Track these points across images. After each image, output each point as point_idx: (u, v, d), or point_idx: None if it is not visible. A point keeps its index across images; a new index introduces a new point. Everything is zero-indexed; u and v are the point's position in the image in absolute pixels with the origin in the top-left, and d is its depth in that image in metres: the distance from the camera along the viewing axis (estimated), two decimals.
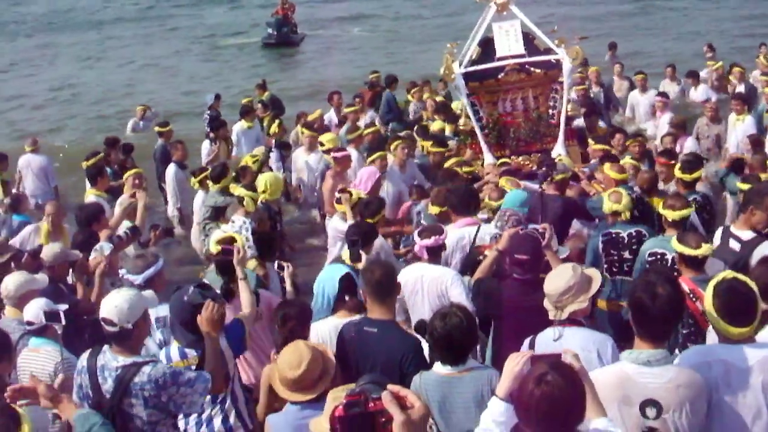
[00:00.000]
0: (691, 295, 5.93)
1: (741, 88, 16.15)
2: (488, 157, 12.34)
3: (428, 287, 7.00)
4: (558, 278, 5.17)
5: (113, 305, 4.83)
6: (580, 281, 5.15)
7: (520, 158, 12.41)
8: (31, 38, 39.64)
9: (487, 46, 12.89)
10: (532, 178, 10.24)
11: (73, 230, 9.66)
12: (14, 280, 6.93)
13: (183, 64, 32.49)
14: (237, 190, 9.88)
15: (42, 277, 7.23)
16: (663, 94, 15.84)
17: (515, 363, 3.74)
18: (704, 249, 6.17)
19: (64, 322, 5.93)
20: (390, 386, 2.84)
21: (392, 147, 11.76)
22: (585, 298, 5.13)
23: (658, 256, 7.22)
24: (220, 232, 8.35)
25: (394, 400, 2.74)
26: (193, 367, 5.36)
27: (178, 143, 14.01)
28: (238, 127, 15.51)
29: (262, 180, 10.24)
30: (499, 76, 12.55)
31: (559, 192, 9.46)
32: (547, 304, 5.18)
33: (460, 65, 12.63)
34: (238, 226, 9.11)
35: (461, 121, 13.03)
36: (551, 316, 5.13)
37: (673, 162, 9.95)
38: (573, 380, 3.41)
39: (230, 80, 27.50)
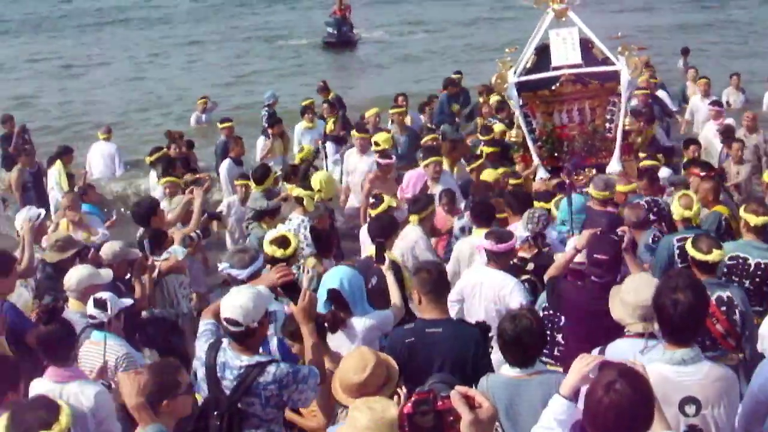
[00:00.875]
0: None
1: None
2: (541, 171, 11.91)
3: (486, 292, 6.98)
4: (644, 287, 4.92)
5: (238, 305, 4.79)
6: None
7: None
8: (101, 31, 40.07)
9: (543, 54, 12.43)
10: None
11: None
12: (77, 273, 7.02)
13: (243, 65, 32.37)
14: (295, 190, 9.82)
15: (106, 272, 7.30)
16: (717, 103, 15.25)
17: (584, 363, 3.69)
18: (715, 255, 6.24)
19: (110, 312, 6.13)
20: (458, 387, 2.88)
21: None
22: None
23: (740, 260, 7.15)
24: (273, 232, 8.15)
25: (463, 400, 2.77)
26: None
27: (237, 139, 14.28)
28: (299, 127, 15.68)
29: (317, 179, 10.13)
30: (554, 87, 12.11)
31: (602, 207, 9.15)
32: (625, 315, 5.00)
33: (514, 74, 12.21)
34: (297, 224, 9.13)
35: (513, 131, 12.58)
36: (636, 330, 4.96)
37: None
38: (642, 389, 3.39)
39: (290, 82, 27.24)
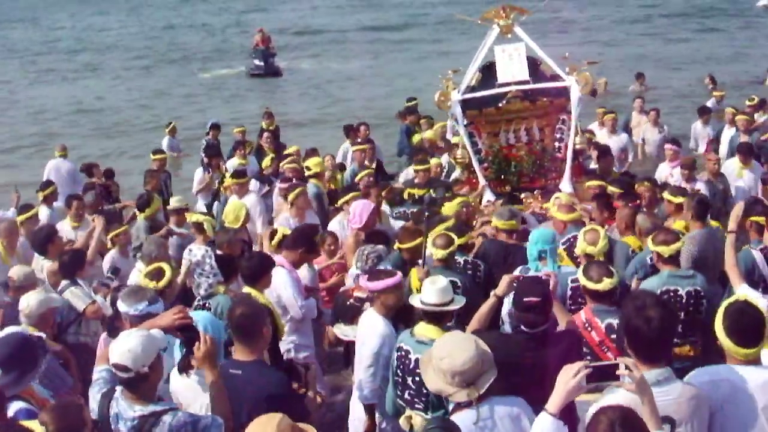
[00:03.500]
0: (587, 325, 6.09)
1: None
2: (488, 194, 11.14)
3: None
4: (460, 350, 4.62)
5: (126, 349, 4.53)
6: (484, 351, 4.70)
7: (523, 195, 11.17)
8: None
9: (488, 71, 11.76)
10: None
11: None
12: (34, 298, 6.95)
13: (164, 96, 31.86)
14: (193, 216, 9.89)
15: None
16: (674, 141, 13.95)
17: (569, 376, 3.76)
18: (605, 283, 6.14)
19: None
20: None
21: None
22: (494, 367, 4.73)
23: (671, 294, 6.92)
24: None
25: None
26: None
27: (153, 172, 13.83)
28: (231, 164, 14.77)
29: (228, 208, 10.34)
30: (500, 104, 11.39)
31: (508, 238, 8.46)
32: (443, 385, 4.61)
33: (458, 92, 11.48)
34: (201, 255, 9.01)
35: (458, 152, 11.82)
36: (460, 398, 4.60)
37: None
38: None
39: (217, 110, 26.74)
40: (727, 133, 15.13)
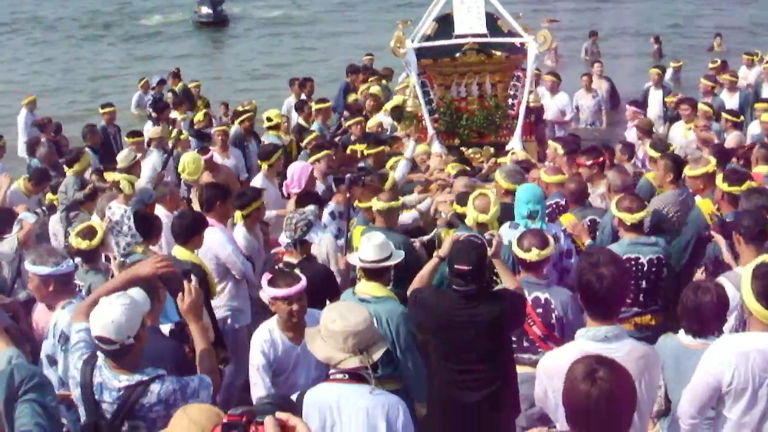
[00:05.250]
0: None
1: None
2: (435, 146, 10.88)
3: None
4: (352, 311, 4.31)
5: (109, 320, 4.18)
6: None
7: (470, 150, 10.98)
8: None
9: (444, 22, 11.50)
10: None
11: None
12: None
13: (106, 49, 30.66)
14: (112, 175, 9.50)
15: None
16: (635, 103, 14.00)
17: None
18: (532, 254, 6.07)
19: None
20: (279, 413, 2.61)
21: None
22: (384, 340, 4.44)
23: (632, 262, 6.66)
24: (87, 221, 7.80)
25: (278, 428, 2.55)
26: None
27: (92, 126, 13.59)
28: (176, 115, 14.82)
29: (183, 159, 9.95)
30: (456, 55, 11.10)
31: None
32: (332, 351, 4.22)
33: (413, 41, 11.18)
34: (120, 215, 8.62)
35: (409, 102, 11.54)
36: (352, 365, 4.19)
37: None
38: (625, 372, 3.35)
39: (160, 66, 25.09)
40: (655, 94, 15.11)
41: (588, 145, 9.71)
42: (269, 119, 12.29)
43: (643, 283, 6.66)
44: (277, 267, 6.69)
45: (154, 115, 14.78)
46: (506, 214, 7.14)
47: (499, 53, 11.17)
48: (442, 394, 5.67)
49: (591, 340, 4.30)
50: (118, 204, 8.74)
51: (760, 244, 5.86)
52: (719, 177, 7.18)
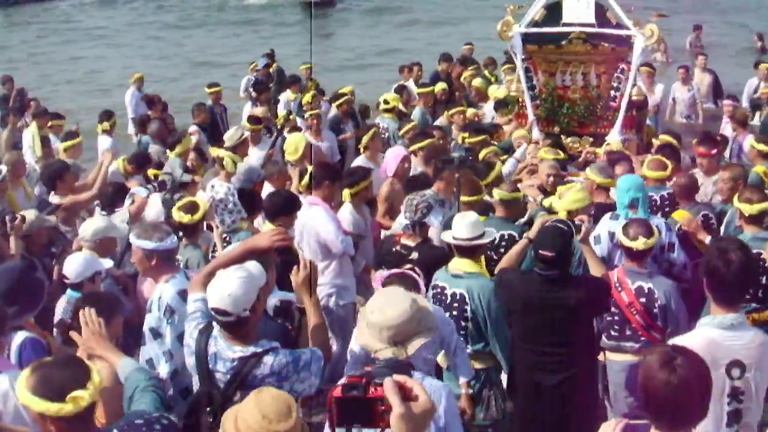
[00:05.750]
0: (618, 285, 6.08)
1: None
2: (534, 132, 11.02)
3: None
4: (393, 304, 4.14)
5: (226, 293, 4.22)
6: (420, 312, 4.19)
7: (569, 139, 11.09)
8: None
9: (554, 9, 11.51)
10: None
11: None
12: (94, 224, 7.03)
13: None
14: (216, 150, 9.61)
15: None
16: (731, 97, 13.98)
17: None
18: (639, 242, 6.07)
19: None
20: (396, 375, 2.60)
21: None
22: (432, 330, 4.23)
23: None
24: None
25: (396, 390, 2.53)
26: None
27: (201, 105, 13.88)
28: (285, 97, 14.93)
29: (290, 140, 9.99)
30: (562, 43, 11.18)
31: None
32: (371, 340, 4.12)
33: (520, 26, 11.30)
34: (223, 192, 8.65)
35: (512, 86, 11.67)
36: (386, 356, 4.07)
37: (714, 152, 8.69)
38: (701, 363, 3.34)
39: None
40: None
41: (702, 135, 9.65)
42: (386, 101, 12.46)
43: (764, 279, 6.59)
44: (394, 249, 6.82)
45: (254, 95, 15.05)
46: (599, 211, 7.29)
47: (605, 44, 11.16)
48: (523, 376, 5.84)
49: (717, 327, 4.37)
50: (221, 181, 8.83)
51: None
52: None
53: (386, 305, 4.11)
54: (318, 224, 7.32)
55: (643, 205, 6.96)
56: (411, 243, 6.84)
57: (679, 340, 4.23)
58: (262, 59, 18.38)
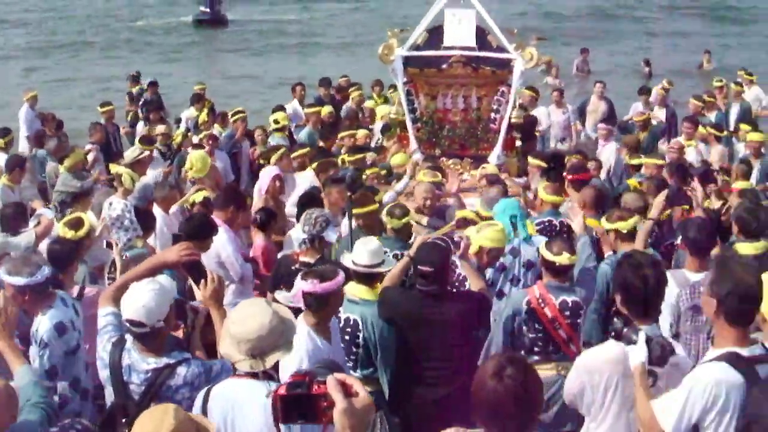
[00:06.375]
0: (540, 301, 6.05)
1: None
2: (416, 154, 11.03)
3: None
4: (253, 316, 4.12)
5: (140, 305, 4.39)
6: (282, 324, 4.18)
7: (450, 161, 11.11)
8: None
9: (435, 33, 11.54)
10: None
11: None
12: None
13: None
14: (115, 168, 9.72)
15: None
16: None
17: None
18: (563, 257, 6.06)
19: None
20: (337, 374, 2.77)
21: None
22: (290, 346, 4.23)
23: None
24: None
25: (339, 386, 2.69)
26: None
27: (97, 125, 13.76)
28: (186, 115, 15.16)
29: (191, 157, 10.20)
30: (443, 67, 11.21)
31: None
32: (232, 350, 4.13)
33: (402, 48, 11.30)
34: (120, 210, 8.72)
35: (393, 109, 11.67)
36: (243, 368, 4.10)
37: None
38: (531, 371, 3.36)
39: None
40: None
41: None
42: (276, 121, 12.66)
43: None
44: (293, 268, 6.69)
45: (150, 116, 15.06)
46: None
47: (486, 67, 11.23)
48: (407, 391, 5.86)
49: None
50: (118, 199, 8.87)
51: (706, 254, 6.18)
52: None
53: (247, 317, 4.12)
54: (220, 246, 7.27)
55: (521, 223, 7.05)
56: (310, 260, 6.79)
57: (594, 351, 4.49)
58: (148, 78, 18.28)
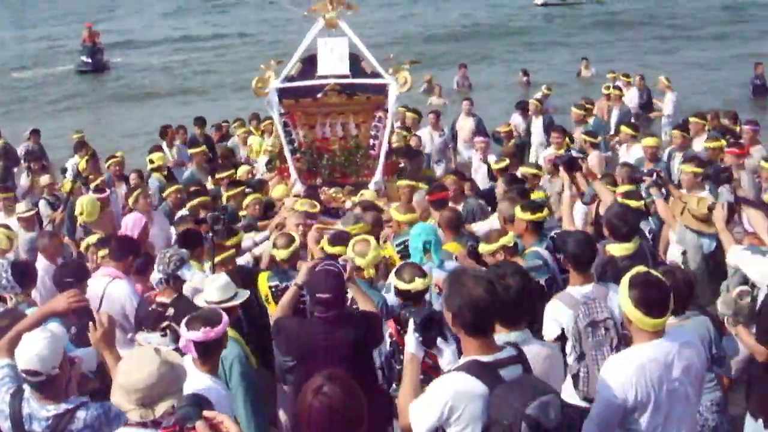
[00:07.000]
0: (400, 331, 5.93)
1: None
2: (297, 185, 10.98)
3: None
4: (139, 366, 4.07)
5: (34, 354, 4.46)
6: (171, 371, 4.11)
7: (332, 190, 11.10)
8: None
9: (309, 63, 11.56)
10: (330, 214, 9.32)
11: None
12: None
13: None
14: None
15: None
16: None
17: None
18: (417, 283, 6.06)
19: None
20: (206, 413, 2.88)
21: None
22: (180, 391, 4.13)
23: None
24: None
25: (208, 428, 2.78)
26: None
27: None
28: (71, 163, 14.97)
29: (80, 202, 10.12)
30: (318, 96, 11.22)
31: None
32: (122, 401, 4.08)
33: (277, 81, 11.28)
34: None
35: (270, 141, 11.63)
36: (135, 418, 4.04)
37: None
38: (351, 389, 3.54)
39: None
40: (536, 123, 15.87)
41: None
42: (151, 161, 12.78)
43: None
44: (150, 308, 6.62)
45: (26, 165, 15.26)
46: None
47: (360, 94, 11.28)
48: None
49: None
50: None
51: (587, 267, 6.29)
52: (518, 207, 7.52)
53: (134, 367, 4.08)
54: (124, 298, 7.24)
55: (435, 249, 7.07)
56: (166, 299, 6.64)
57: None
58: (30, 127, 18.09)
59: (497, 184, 10.26)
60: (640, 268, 4.79)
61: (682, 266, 7.60)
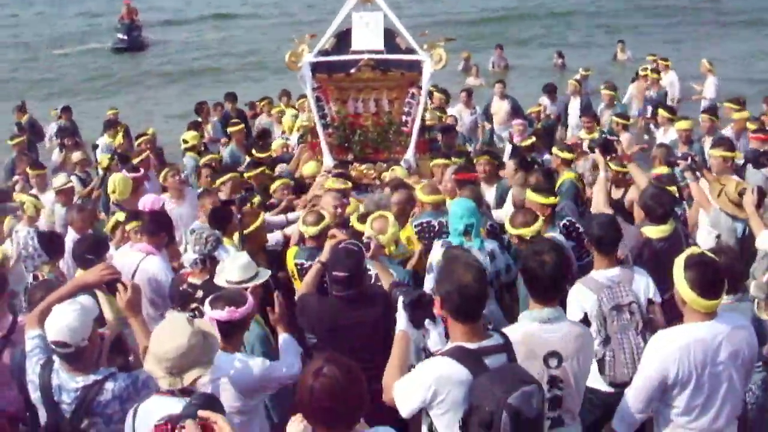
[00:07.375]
0: None
1: None
2: (327, 160, 10.93)
3: None
4: (171, 337, 4.28)
5: (64, 325, 4.54)
6: (202, 341, 4.32)
7: (364, 166, 11.02)
8: None
9: (343, 38, 11.45)
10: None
11: None
12: None
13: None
14: (18, 196, 9.99)
15: None
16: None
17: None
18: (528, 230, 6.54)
19: None
20: (201, 412, 2.91)
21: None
22: (210, 362, 4.38)
23: None
24: None
25: (198, 429, 2.86)
26: None
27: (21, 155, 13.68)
28: (103, 141, 15.14)
29: (112, 180, 10.21)
30: (351, 72, 11.12)
31: None
32: (154, 368, 4.29)
33: (310, 55, 11.19)
34: (23, 237, 8.94)
35: (304, 116, 11.59)
36: (164, 386, 4.26)
37: None
38: (350, 371, 3.58)
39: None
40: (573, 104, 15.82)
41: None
42: (185, 141, 12.87)
43: None
44: (181, 288, 6.66)
45: (59, 142, 15.42)
46: None
47: (395, 70, 11.16)
48: None
49: (534, 320, 4.72)
50: (22, 226, 9.10)
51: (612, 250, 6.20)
52: (529, 191, 7.63)
53: (166, 336, 4.25)
54: (157, 274, 7.32)
55: (476, 232, 6.97)
56: (197, 281, 6.65)
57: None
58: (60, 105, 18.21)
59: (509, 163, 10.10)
60: (695, 249, 4.87)
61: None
